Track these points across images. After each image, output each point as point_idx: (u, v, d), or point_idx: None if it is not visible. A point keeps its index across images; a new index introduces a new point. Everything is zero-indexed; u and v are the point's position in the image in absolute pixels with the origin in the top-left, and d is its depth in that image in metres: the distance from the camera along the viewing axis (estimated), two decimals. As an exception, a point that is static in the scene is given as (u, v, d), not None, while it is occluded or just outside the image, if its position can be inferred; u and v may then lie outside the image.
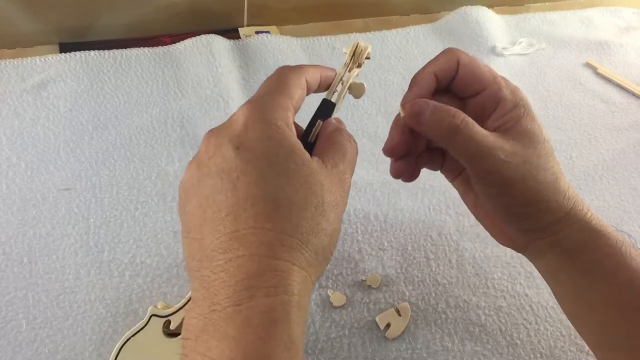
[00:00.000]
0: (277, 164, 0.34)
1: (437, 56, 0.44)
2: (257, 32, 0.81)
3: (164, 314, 0.42)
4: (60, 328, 0.48)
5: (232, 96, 0.70)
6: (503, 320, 0.53)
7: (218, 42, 0.76)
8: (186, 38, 0.76)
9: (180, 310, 0.43)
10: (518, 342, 0.51)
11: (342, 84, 0.43)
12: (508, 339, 0.52)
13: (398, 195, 0.62)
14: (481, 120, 0.42)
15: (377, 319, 0.51)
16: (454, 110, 0.40)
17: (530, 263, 0.57)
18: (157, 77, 0.71)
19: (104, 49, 0.73)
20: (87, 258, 0.53)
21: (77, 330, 0.48)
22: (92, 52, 0.72)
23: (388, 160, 0.47)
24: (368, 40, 0.82)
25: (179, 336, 0.42)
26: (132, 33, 0.78)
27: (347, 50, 0.44)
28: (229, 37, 0.78)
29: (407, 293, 0.54)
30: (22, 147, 0.61)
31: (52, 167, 0.60)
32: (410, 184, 0.62)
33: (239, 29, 0.82)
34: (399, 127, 0.44)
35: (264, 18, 0.83)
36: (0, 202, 0.56)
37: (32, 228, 0.54)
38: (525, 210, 0.42)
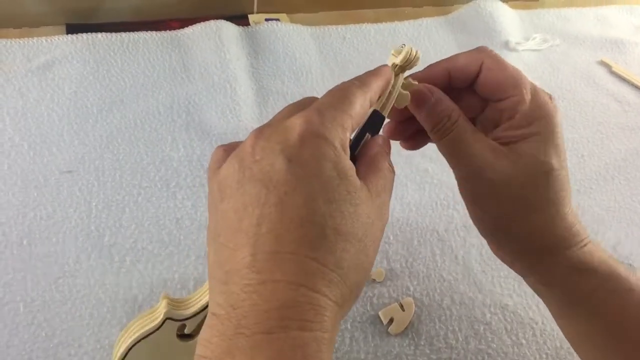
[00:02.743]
0: (329, 188, 0.32)
1: (460, 54, 0.42)
2: (266, 20, 0.80)
3: (179, 318, 0.39)
4: (58, 312, 0.47)
5: (240, 83, 0.69)
6: (509, 319, 0.52)
7: (227, 28, 0.75)
8: (195, 23, 0.75)
9: (197, 316, 0.41)
10: (523, 341, 0.50)
11: (389, 93, 0.41)
12: (513, 338, 0.51)
13: (405, 189, 0.61)
14: (494, 126, 0.40)
15: (380, 313, 0.50)
16: (452, 109, 0.39)
17: (539, 262, 0.56)
18: (164, 61, 0.70)
19: (111, 31, 0.72)
20: (87, 242, 0.52)
21: (75, 314, 0.47)
22: (99, 34, 0.71)
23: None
24: (379, 32, 0.81)
25: (193, 339, 0.40)
26: (141, 16, 0.77)
27: (395, 54, 0.41)
28: (238, 24, 0.77)
29: (412, 288, 0.53)
30: (26, 127, 0.60)
31: (55, 149, 0.59)
32: (418, 178, 0.62)
33: (249, 15, 0.81)
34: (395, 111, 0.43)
35: (274, 5, 0.82)
36: (1, 182, 0.55)
37: (33, 210, 0.54)
38: (514, 246, 0.41)
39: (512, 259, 0.42)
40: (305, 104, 0.35)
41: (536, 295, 0.53)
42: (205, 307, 0.39)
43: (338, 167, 0.32)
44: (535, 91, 0.40)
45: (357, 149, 0.38)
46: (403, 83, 0.41)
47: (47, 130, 0.60)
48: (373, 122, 0.39)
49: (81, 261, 0.51)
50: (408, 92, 0.41)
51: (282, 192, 0.31)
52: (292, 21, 0.81)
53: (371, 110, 0.39)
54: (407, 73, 0.41)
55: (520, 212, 0.39)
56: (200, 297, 0.40)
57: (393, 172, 0.37)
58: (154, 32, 0.74)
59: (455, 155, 0.39)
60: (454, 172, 0.41)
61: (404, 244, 0.56)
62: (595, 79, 0.80)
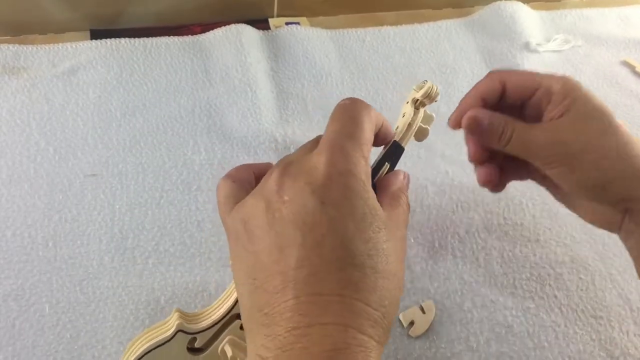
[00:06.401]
0: (363, 227, 0.32)
1: (478, 83, 0.48)
2: (287, 23, 0.80)
3: (191, 331, 0.39)
4: (82, 313, 0.48)
5: (260, 86, 0.69)
6: (531, 322, 0.51)
7: (248, 32, 0.76)
8: (216, 27, 0.76)
9: (208, 330, 0.40)
10: (546, 344, 0.50)
11: (409, 125, 0.42)
12: (535, 341, 0.50)
13: (426, 192, 0.61)
14: (539, 116, 0.46)
15: (400, 316, 0.51)
16: (504, 117, 0.45)
17: (559, 264, 0.56)
18: (186, 66, 0.71)
19: (134, 36, 0.73)
20: (111, 244, 0.53)
21: (99, 316, 0.48)
22: (122, 40, 0.73)
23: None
24: (398, 34, 0.81)
25: (202, 353, 0.40)
26: (163, 21, 0.77)
27: (416, 89, 0.43)
28: (258, 28, 0.78)
29: (432, 290, 0.53)
30: (51, 132, 0.61)
31: (80, 152, 0.60)
32: (438, 181, 0.62)
33: (269, 19, 0.82)
34: (470, 139, 0.49)
35: (294, 9, 0.82)
36: (27, 186, 0.56)
37: (58, 213, 0.55)
38: (596, 182, 0.43)
39: (621, 214, 0.45)
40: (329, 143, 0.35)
41: (558, 297, 0.53)
42: (218, 321, 0.39)
43: (368, 203, 0.33)
44: (549, 75, 0.46)
45: (376, 178, 0.38)
46: (424, 117, 0.42)
47: (72, 134, 0.61)
48: (393, 152, 0.40)
49: (105, 263, 0.51)
50: (428, 127, 0.42)
51: (318, 235, 0.31)
52: (313, 24, 0.81)
53: (391, 141, 0.39)
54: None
55: (605, 157, 0.43)
56: (212, 313, 0.40)
57: (409, 207, 0.38)
58: (175, 36, 0.75)
59: (527, 150, 0.45)
60: (537, 164, 0.45)
61: (424, 246, 0.56)
62: (618, 80, 0.79)
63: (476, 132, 0.46)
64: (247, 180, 0.38)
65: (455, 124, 0.48)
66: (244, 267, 0.33)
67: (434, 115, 0.44)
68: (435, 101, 0.43)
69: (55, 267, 0.51)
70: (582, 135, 0.43)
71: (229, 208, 0.35)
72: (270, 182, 0.33)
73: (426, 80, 0.43)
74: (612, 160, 0.42)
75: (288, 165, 0.34)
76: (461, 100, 0.48)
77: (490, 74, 0.48)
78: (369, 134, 0.35)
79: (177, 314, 0.39)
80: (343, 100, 0.37)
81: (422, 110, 0.42)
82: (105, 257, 0.52)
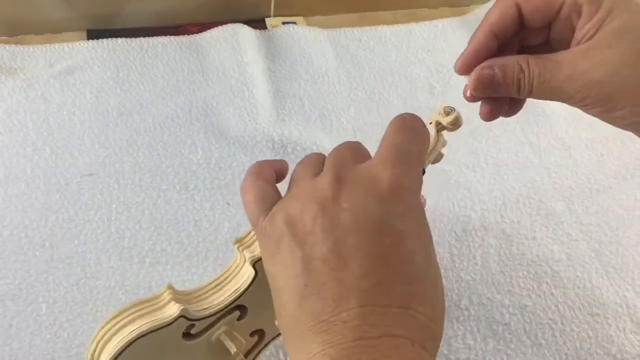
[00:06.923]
0: (424, 243, 0.32)
1: (489, 11, 0.40)
2: (283, 23, 0.80)
3: (193, 317, 0.37)
4: (79, 312, 0.48)
5: (257, 86, 0.69)
6: (527, 320, 0.52)
7: (244, 32, 0.76)
8: (213, 27, 0.76)
9: (209, 318, 0.39)
10: (543, 342, 0.50)
11: (432, 149, 0.41)
12: (532, 338, 0.50)
13: (423, 190, 0.61)
14: (571, 36, 0.38)
15: (398, 314, 0.51)
16: (519, 60, 0.37)
17: (556, 262, 0.56)
18: (182, 65, 0.71)
19: (131, 36, 0.73)
20: (108, 244, 0.53)
21: (97, 315, 0.48)
22: (119, 40, 0.73)
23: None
24: (395, 33, 0.81)
25: (196, 339, 0.39)
26: (160, 21, 0.77)
27: (443, 114, 0.41)
28: (255, 27, 0.78)
29: (429, 289, 0.53)
30: (48, 132, 0.61)
31: (77, 152, 0.60)
32: (435, 180, 0.62)
33: (266, 19, 0.82)
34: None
35: (291, 8, 0.82)
36: (24, 186, 0.56)
37: (55, 212, 0.55)
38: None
39: None
40: (356, 146, 0.35)
41: (555, 295, 0.53)
42: (222, 309, 0.39)
43: (425, 220, 0.33)
44: None
45: None
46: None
47: (69, 134, 0.61)
48: None
49: (102, 262, 0.51)
50: (443, 152, 0.41)
51: (386, 246, 0.30)
52: (310, 24, 0.81)
53: None
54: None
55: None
56: (208, 296, 0.39)
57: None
58: (172, 36, 0.75)
59: (555, 96, 0.37)
60: (573, 105, 0.37)
61: (421, 244, 0.56)
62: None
63: (489, 92, 0.39)
64: (274, 179, 0.37)
65: (462, 69, 0.40)
66: (292, 272, 0.31)
67: (447, 140, 0.44)
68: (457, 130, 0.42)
69: (52, 266, 0.51)
70: (618, 65, 0.34)
71: (264, 209, 0.34)
72: (322, 186, 0.32)
73: (453, 108, 0.41)
74: None
75: (341, 170, 0.33)
76: (471, 38, 0.40)
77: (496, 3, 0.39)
78: (426, 153, 0.36)
79: (170, 294, 0.38)
80: (403, 114, 0.36)
81: (442, 134, 0.42)
82: (102, 256, 0.52)
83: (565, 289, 0.54)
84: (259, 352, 0.42)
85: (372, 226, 0.31)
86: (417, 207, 0.32)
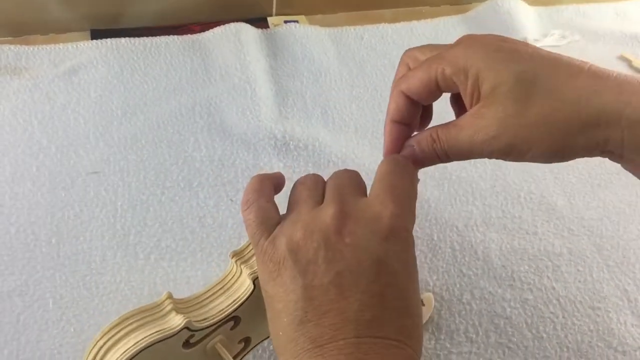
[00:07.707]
0: (414, 279, 0.35)
1: (388, 105, 0.41)
2: (285, 22, 0.81)
3: (194, 328, 0.37)
4: (86, 308, 0.49)
5: (259, 84, 0.70)
6: (529, 313, 0.52)
7: (246, 31, 0.76)
8: (215, 26, 0.77)
9: (208, 328, 0.39)
10: (544, 335, 0.51)
11: None
12: (534, 332, 0.51)
13: (424, 186, 0.61)
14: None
15: (400, 308, 0.51)
16: (427, 133, 0.38)
17: (557, 256, 0.56)
18: (185, 64, 0.72)
19: (134, 36, 0.74)
20: (113, 241, 0.53)
21: (103, 310, 0.49)
22: (122, 39, 0.73)
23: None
24: (396, 31, 0.81)
25: (193, 348, 0.40)
26: (162, 21, 0.78)
27: None
28: (257, 26, 0.78)
29: (432, 283, 0.53)
30: (53, 130, 0.62)
31: (82, 151, 0.60)
32: (436, 175, 0.62)
33: (268, 18, 0.82)
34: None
35: (292, 7, 0.83)
36: (30, 184, 0.57)
37: (61, 210, 0.55)
38: (553, 156, 0.37)
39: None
40: (356, 178, 0.38)
41: (556, 289, 0.54)
42: (222, 320, 0.39)
43: (414, 258, 0.35)
44: (443, 53, 0.38)
45: None
46: None
47: (74, 133, 0.62)
48: None
49: (107, 259, 0.52)
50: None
51: (382, 285, 0.33)
52: (311, 22, 0.82)
53: None
54: None
55: (553, 109, 0.34)
56: (205, 304, 0.39)
57: None
58: (175, 36, 0.75)
59: (468, 156, 0.38)
60: (491, 157, 0.38)
61: (423, 239, 0.56)
62: (616, 74, 0.79)
63: (418, 165, 0.40)
64: (273, 196, 0.38)
65: (388, 154, 0.41)
66: (292, 297, 0.33)
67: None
68: None
69: (58, 263, 0.51)
70: (504, 118, 0.35)
71: (265, 230, 0.35)
72: (325, 217, 0.34)
73: None
74: (565, 113, 0.34)
75: (344, 203, 0.35)
76: (384, 130, 0.41)
77: (393, 86, 0.40)
78: (415, 191, 0.38)
79: (170, 305, 0.38)
80: (394, 156, 0.39)
81: None
82: (107, 253, 0.52)
83: (567, 282, 0.54)
84: (242, 357, 0.43)
85: (372, 264, 0.33)
86: (411, 246, 0.35)
